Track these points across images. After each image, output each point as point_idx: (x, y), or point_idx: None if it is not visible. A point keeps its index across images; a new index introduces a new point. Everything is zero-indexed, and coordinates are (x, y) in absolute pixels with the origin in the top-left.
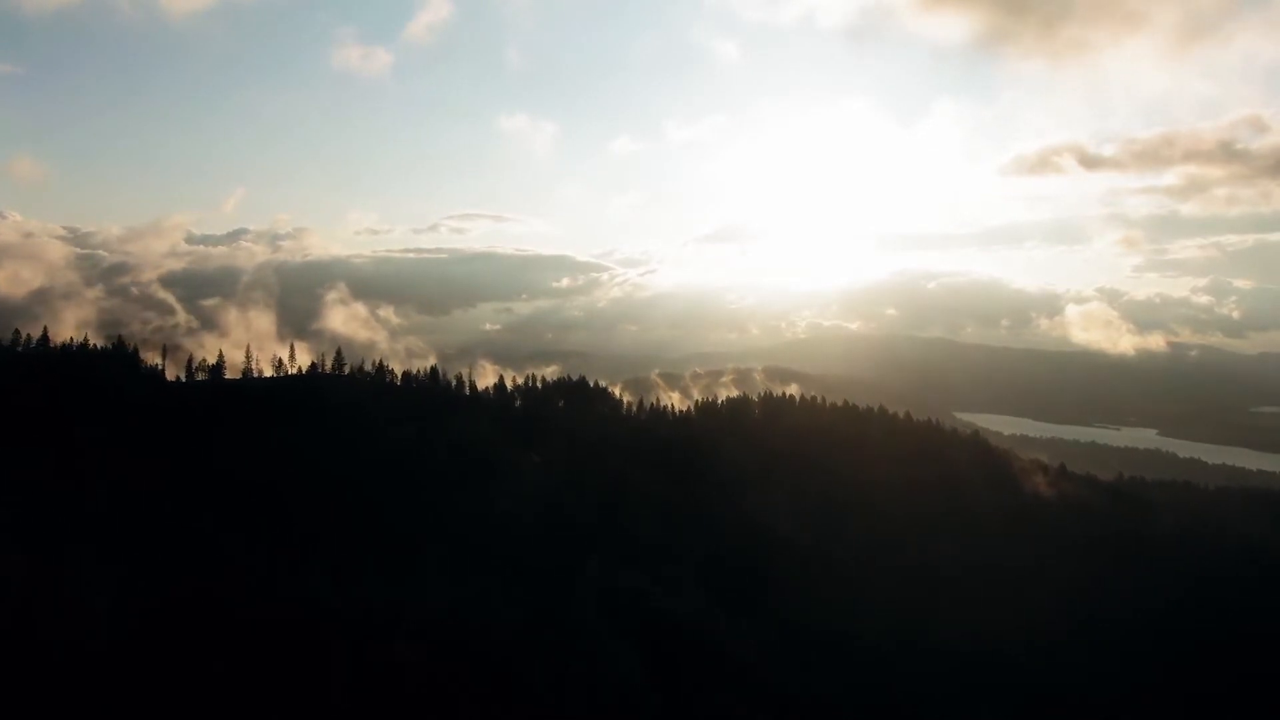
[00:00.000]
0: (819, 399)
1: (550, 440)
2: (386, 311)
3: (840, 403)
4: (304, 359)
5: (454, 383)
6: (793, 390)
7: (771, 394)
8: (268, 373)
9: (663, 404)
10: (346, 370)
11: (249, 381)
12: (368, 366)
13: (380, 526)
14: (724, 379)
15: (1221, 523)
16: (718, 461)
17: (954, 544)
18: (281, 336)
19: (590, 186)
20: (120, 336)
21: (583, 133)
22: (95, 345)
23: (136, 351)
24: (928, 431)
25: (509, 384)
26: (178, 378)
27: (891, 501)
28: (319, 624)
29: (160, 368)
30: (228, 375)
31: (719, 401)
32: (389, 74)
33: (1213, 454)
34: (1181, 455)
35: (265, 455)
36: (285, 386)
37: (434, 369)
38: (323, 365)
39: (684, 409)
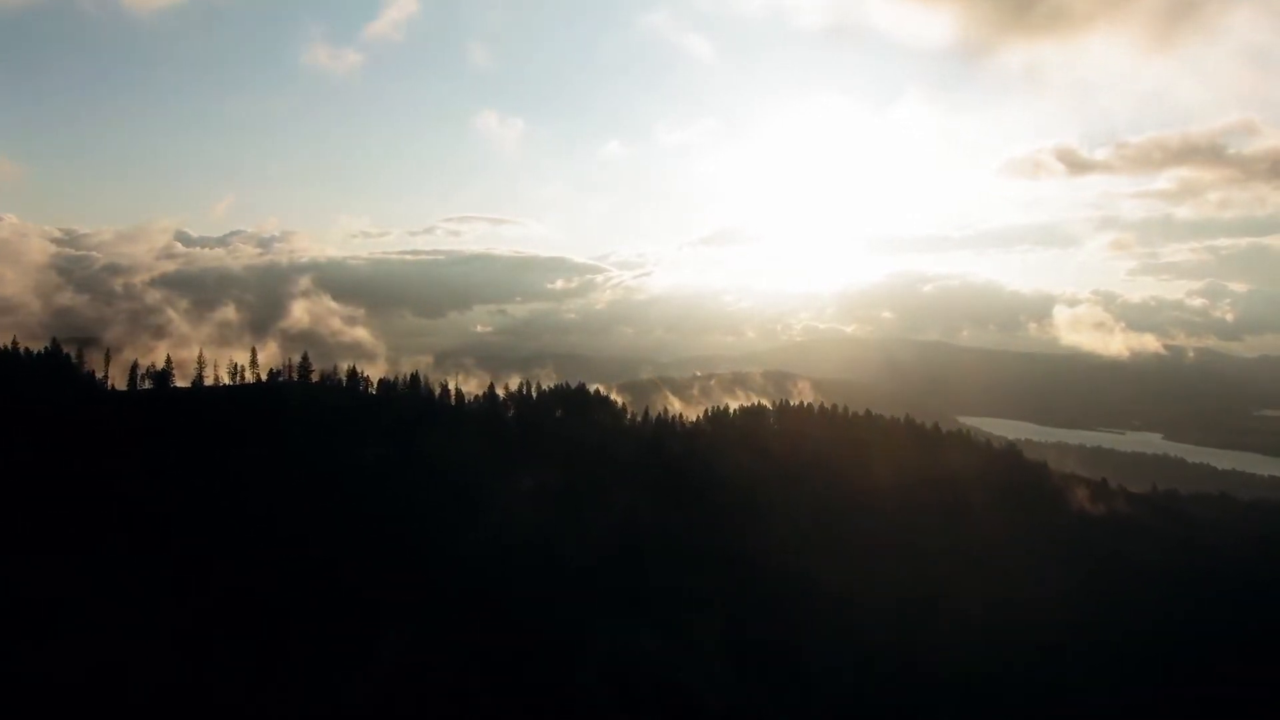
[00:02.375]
0: (840, 408)
1: (546, 459)
2: (377, 314)
3: (862, 411)
4: (273, 364)
5: (438, 391)
6: (802, 396)
7: (787, 403)
8: (225, 380)
9: (669, 413)
10: (315, 377)
11: (199, 390)
12: (341, 372)
13: (334, 573)
14: (728, 384)
15: (1268, 538)
16: (737, 482)
17: (1008, 576)
18: (266, 341)
19: (585, 190)
20: (54, 339)
21: (576, 136)
22: (27, 350)
23: (69, 357)
24: (961, 445)
25: (501, 391)
26: (112, 386)
27: (935, 532)
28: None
29: (103, 375)
30: (179, 383)
31: (731, 410)
32: (361, 74)
33: (1221, 459)
34: (1190, 460)
35: (196, 480)
36: (240, 396)
37: (414, 376)
38: (288, 371)
39: (693, 419)
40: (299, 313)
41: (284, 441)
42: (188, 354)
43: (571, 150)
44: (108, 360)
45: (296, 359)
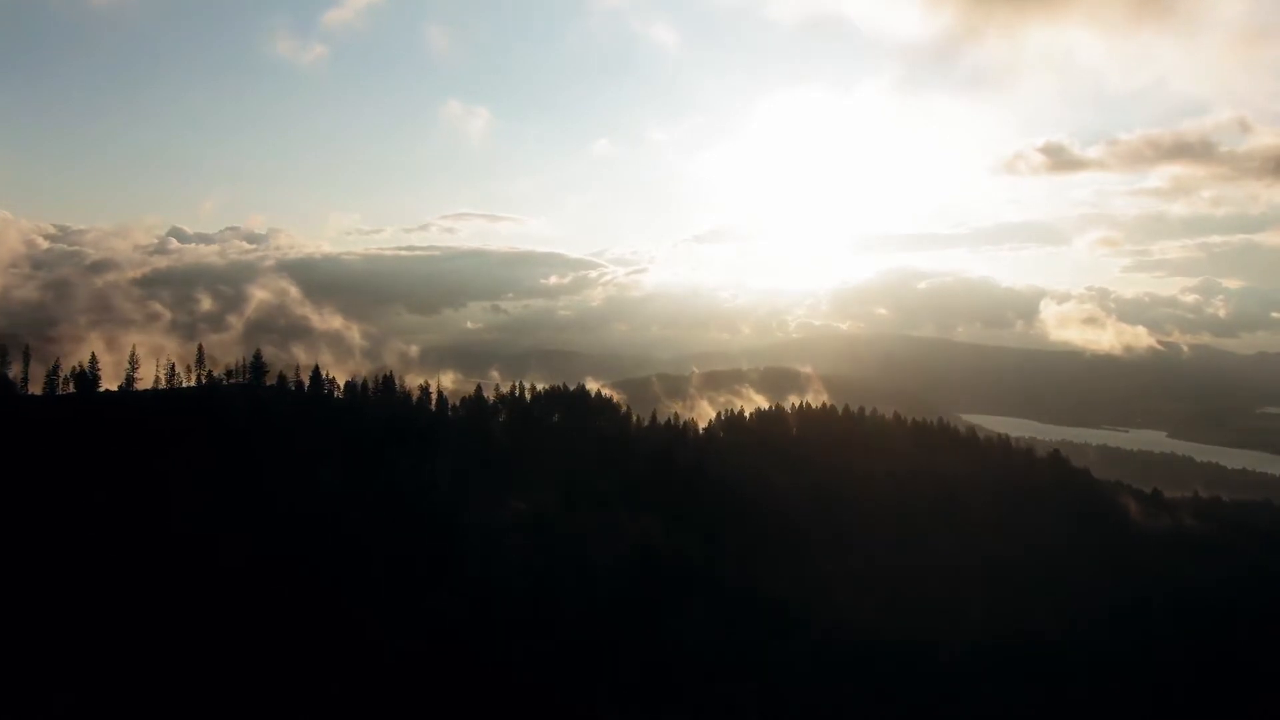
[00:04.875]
0: (865, 410)
1: (541, 475)
2: (370, 310)
3: (890, 415)
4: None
5: (416, 394)
6: (813, 394)
7: (808, 405)
8: (164, 383)
9: (679, 418)
10: (271, 380)
11: (125, 395)
12: (304, 374)
13: (272, 626)
14: (729, 381)
15: None
16: (764, 502)
17: (1079, 599)
18: (240, 339)
19: (581, 188)
20: None
21: (567, 133)
22: None
23: None
24: (1002, 452)
25: (490, 394)
26: (19, 389)
27: (1001, 559)
28: None
29: (23, 376)
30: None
31: (746, 414)
32: (329, 66)
33: (1230, 458)
34: (1199, 459)
35: (99, 506)
36: (174, 401)
37: (388, 378)
38: (242, 372)
39: (705, 424)
40: (275, 309)
41: (216, 459)
42: (156, 351)
43: (566, 148)
44: (27, 360)
45: (240, 359)
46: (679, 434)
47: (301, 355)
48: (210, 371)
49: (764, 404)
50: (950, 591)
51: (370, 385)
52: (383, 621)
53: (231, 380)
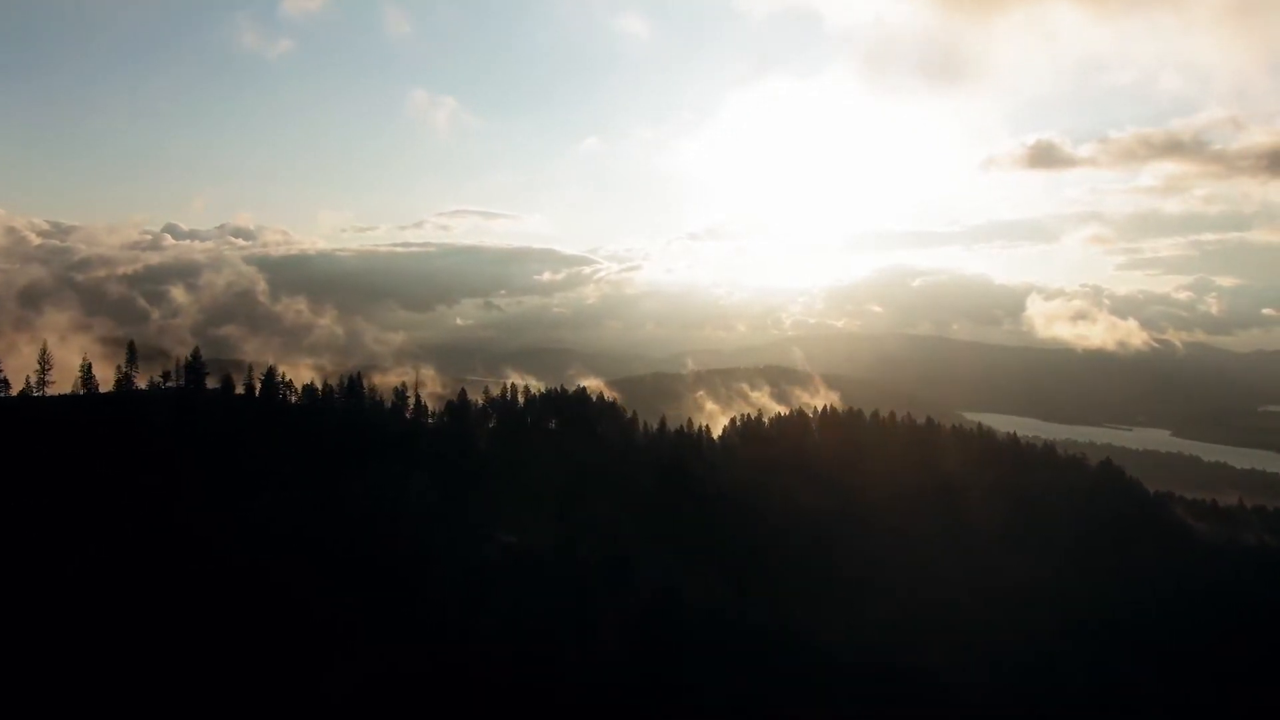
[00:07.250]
0: (896, 415)
1: (535, 495)
2: (363, 308)
3: (912, 418)
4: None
5: (390, 400)
6: (820, 395)
7: (833, 409)
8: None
9: (690, 423)
10: (214, 384)
11: (24, 401)
12: (255, 376)
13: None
14: (729, 380)
15: None
16: (796, 526)
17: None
18: (237, 338)
19: (574, 186)
20: None
21: (560, 132)
22: None
23: None
24: (1046, 459)
25: (480, 397)
26: None
27: (1059, 579)
28: None
29: None
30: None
31: (763, 419)
32: (297, 59)
33: (1237, 458)
34: (1206, 459)
35: None
36: (84, 410)
37: (353, 380)
38: (175, 376)
39: (719, 430)
40: (249, 306)
41: (126, 484)
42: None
43: (558, 145)
44: None
45: (182, 359)
46: (691, 442)
47: (277, 354)
48: (130, 374)
49: (768, 404)
50: (1017, 620)
51: (335, 388)
52: (332, 686)
53: (168, 384)
